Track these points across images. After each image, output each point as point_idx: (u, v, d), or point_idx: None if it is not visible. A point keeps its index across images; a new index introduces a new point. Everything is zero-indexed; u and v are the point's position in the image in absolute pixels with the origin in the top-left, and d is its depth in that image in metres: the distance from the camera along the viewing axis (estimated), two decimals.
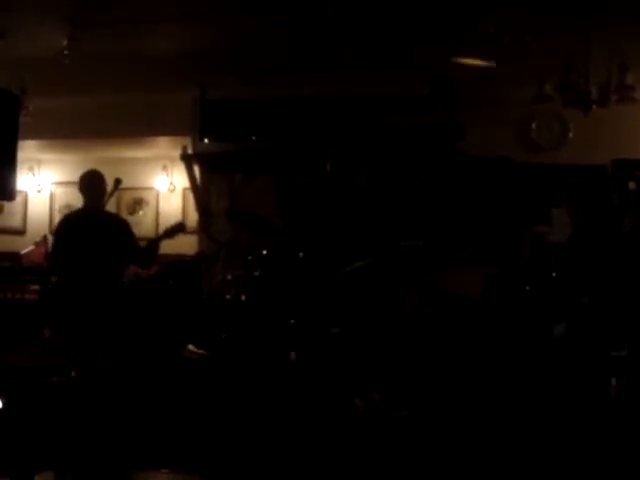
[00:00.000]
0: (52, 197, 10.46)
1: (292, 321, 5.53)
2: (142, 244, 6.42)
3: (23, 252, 9.42)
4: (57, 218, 10.25)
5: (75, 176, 10.24)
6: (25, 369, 4.45)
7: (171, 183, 10.10)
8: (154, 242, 6.33)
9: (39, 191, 10.47)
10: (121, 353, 5.79)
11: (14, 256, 9.29)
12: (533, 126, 7.75)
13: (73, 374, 4.95)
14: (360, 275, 5.58)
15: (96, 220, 6.03)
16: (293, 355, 5.23)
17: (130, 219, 7.36)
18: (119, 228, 6.25)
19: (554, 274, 5.89)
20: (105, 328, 5.78)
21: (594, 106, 5.73)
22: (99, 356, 5.54)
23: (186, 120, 8.00)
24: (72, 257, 5.96)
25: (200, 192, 8.14)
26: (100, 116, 8.30)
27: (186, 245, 8.06)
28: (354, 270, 5.56)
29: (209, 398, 5.24)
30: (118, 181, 6.18)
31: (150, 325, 6.25)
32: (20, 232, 10.37)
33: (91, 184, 6.19)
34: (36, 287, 8.44)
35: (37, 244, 9.63)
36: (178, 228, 6.45)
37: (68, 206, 10.19)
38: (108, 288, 5.97)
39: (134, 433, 4.87)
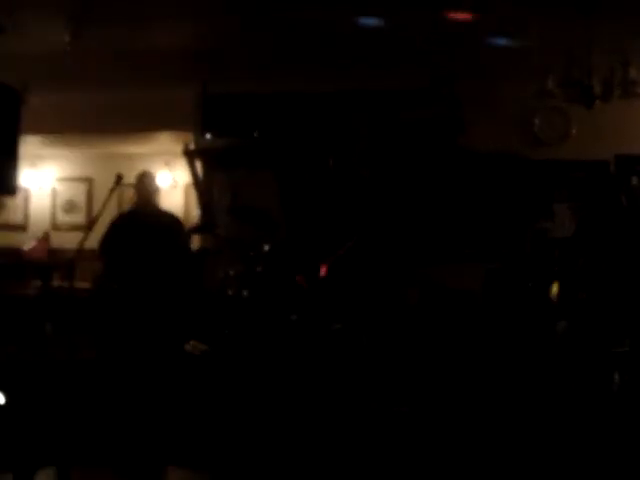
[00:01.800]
0: (54, 193, 10.47)
1: (294, 316, 5.53)
2: None
3: (25, 248, 9.44)
4: (59, 214, 10.28)
5: (77, 172, 10.33)
6: (27, 364, 4.46)
7: (173, 179, 10.10)
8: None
9: (41, 187, 10.47)
10: (125, 348, 5.80)
11: (16, 252, 9.31)
12: (536, 121, 7.74)
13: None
14: (352, 254, 5.58)
15: (150, 220, 6.14)
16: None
17: None
18: (171, 226, 6.33)
19: (556, 269, 5.88)
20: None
21: (597, 101, 5.71)
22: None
23: (188, 116, 7.99)
24: (126, 256, 6.06)
25: (202, 188, 8.13)
26: (102, 112, 8.29)
27: None
28: (346, 251, 5.56)
29: (211, 393, 5.24)
30: (120, 177, 6.17)
31: (153, 320, 6.25)
32: (22, 228, 10.38)
33: (144, 184, 6.28)
34: (38, 283, 8.46)
35: (39, 240, 9.64)
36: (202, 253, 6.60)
37: (70, 202, 10.21)
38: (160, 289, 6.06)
39: (136, 429, 4.88)
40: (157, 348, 5.94)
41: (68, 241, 8.66)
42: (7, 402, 4.03)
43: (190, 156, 7.93)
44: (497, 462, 4.33)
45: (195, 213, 9.00)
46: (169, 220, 6.48)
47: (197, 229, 6.51)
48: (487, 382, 5.42)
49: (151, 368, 5.71)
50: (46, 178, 10.49)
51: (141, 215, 6.21)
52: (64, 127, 8.60)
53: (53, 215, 10.38)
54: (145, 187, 6.27)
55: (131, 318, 5.88)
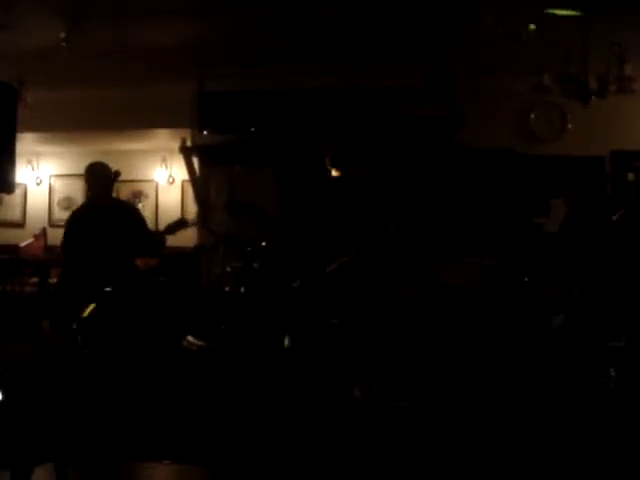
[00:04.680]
0: (51, 190, 10.47)
1: (291, 312, 5.54)
2: None
3: (22, 245, 9.44)
4: (56, 211, 10.28)
5: (74, 169, 10.32)
6: (25, 361, 4.46)
7: (170, 175, 10.11)
8: (157, 236, 6.35)
9: (38, 184, 10.48)
10: (120, 343, 5.80)
11: (13, 249, 9.31)
12: (532, 117, 7.75)
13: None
14: (346, 270, 5.59)
15: (103, 210, 6.06)
16: (287, 341, 5.26)
17: None
18: (128, 215, 6.26)
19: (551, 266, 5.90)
20: (115, 317, 5.83)
21: (593, 97, 5.73)
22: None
23: (185, 112, 7.99)
24: (82, 249, 6.00)
25: (199, 184, 8.14)
26: (99, 109, 8.29)
27: (185, 237, 8.06)
28: (339, 267, 5.57)
29: (208, 389, 5.25)
30: (117, 173, 6.18)
31: (150, 316, 6.26)
32: (19, 225, 10.38)
33: (96, 175, 6.20)
34: (35, 280, 8.46)
35: (36, 237, 9.64)
36: (180, 224, 6.46)
37: (67, 199, 10.21)
38: (120, 277, 6.00)
39: (134, 424, 4.89)
40: (153, 343, 5.95)
41: None
42: (4, 399, 4.03)
43: (187, 153, 7.94)
44: (494, 457, 4.34)
45: (192, 209, 9.01)
46: (124, 208, 6.42)
47: (171, 228, 6.44)
48: (484, 376, 5.44)
49: (147, 363, 5.72)
50: (43, 175, 10.49)
51: (94, 207, 6.14)
52: (61, 124, 8.60)
53: (50, 212, 10.38)
54: (95, 178, 6.20)
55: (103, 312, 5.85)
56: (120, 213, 6.19)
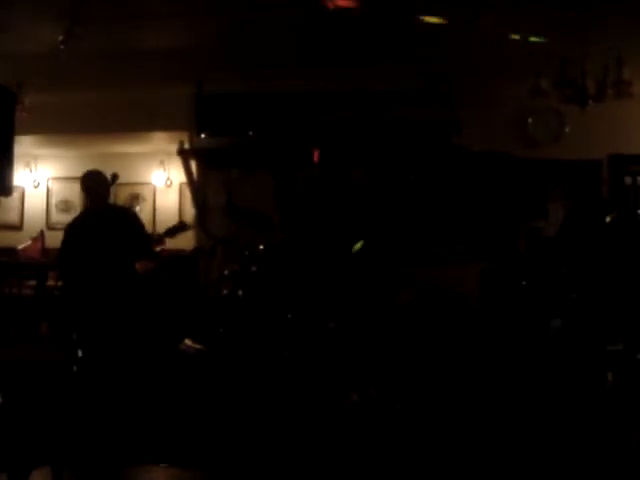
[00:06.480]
0: (49, 192, 10.46)
1: (289, 316, 5.54)
2: None
3: (20, 247, 9.42)
4: (54, 213, 10.27)
5: (72, 171, 10.32)
6: (22, 364, 4.45)
7: (168, 178, 10.10)
8: (156, 239, 6.33)
9: (36, 186, 10.47)
10: (119, 347, 5.79)
11: (11, 251, 9.29)
12: (530, 121, 7.76)
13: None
14: (344, 275, 5.61)
15: (101, 216, 6.04)
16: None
17: None
18: (126, 220, 6.25)
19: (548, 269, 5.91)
20: (116, 322, 5.82)
21: (590, 101, 5.73)
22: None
23: (183, 115, 7.99)
24: (82, 256, 5.99)
25: (197, 187, 8.13)
26: (97, 111, 8.29)
27: (183, 240, 8.06)
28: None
29: (206, 392, 5.25)
30: (115, 176, 6.18)
31: (147, 319, 6.25)
32: (17, 227, 10.37)
33: (92, 183, 6.19)
34: (33, 282, 8.46)
35: (34, 239, 9.62)
36: (179, 227, 6.46)
37: (65, 201, 10.20)
38: (121, 283, 5.99)
39: (131, 428, 4.88)
40: (150, 346, 5.94)
41: None
42: (2, 402, 4.03)
43: (185, 155, 7.92)
44: (491, 459, 4.34)
45: (190, 212, 9.00)
46: (121, 214, 6.40)
47: (171, 231, 6.43)
48: (481, 380, 5.44)
49: (145, 367, 5.71)
50: (41, 177, 10.49)
51: (92, 214, 6.12)
52: (59, 127, 8.59)
53: (48, 214, 10.37)
54: (91, 186, 6.18)
55: (102, 317, 5.83)
56: (118, 218, 6.17)
